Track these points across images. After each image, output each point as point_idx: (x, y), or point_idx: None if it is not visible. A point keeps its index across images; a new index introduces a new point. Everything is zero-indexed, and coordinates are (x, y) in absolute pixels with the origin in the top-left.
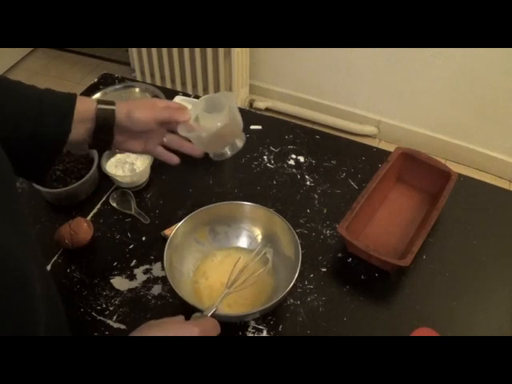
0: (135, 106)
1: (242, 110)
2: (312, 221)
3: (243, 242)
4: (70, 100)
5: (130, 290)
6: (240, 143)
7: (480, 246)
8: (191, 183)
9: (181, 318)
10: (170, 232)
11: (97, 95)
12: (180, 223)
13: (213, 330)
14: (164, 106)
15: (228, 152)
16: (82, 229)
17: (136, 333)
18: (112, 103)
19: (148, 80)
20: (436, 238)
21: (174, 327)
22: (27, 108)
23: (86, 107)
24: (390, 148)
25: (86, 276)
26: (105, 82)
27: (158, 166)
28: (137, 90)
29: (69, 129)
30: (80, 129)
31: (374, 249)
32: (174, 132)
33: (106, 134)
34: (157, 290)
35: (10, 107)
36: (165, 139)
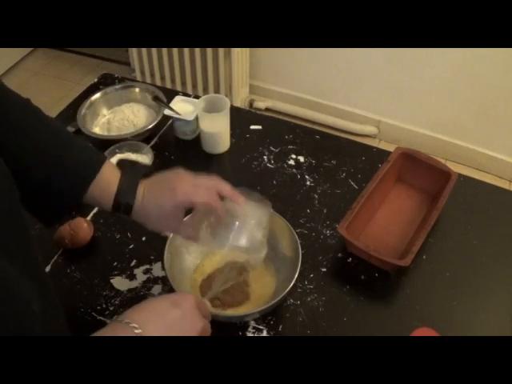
0: (151, 212)
1: (241, 110)
2: (312, 221)
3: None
4: (96, 165)
5: (129, 290)
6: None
7: (480, 245)
8: None
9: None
10: None
11: (97, 95)
12: None
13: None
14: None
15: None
16: (82, 229)
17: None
18: (133, 193)
19: (148, 80)
20: (436, 238)
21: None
22: (52, 152)
23: (107, 193)
24: (390, 148)
25: (86, 276)
26: (105, 81)
27: (158, 166)
28: (137, 89)
29: (82, 194)
30: (98, 198)
31: (374, 249)
32: None
33: (124, 214)
34: (157, 289)
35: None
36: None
